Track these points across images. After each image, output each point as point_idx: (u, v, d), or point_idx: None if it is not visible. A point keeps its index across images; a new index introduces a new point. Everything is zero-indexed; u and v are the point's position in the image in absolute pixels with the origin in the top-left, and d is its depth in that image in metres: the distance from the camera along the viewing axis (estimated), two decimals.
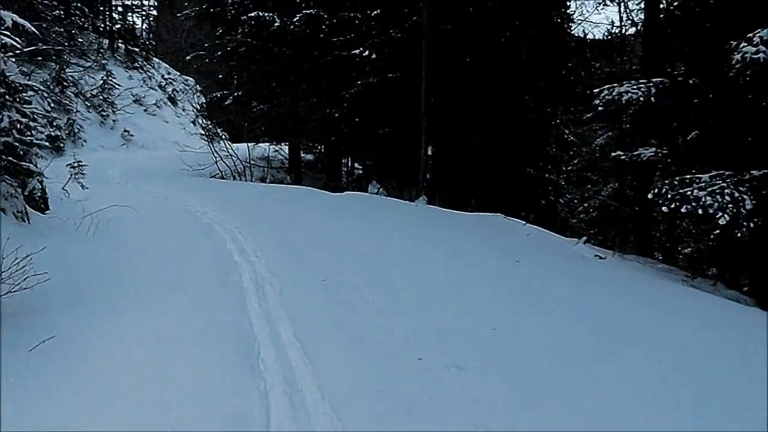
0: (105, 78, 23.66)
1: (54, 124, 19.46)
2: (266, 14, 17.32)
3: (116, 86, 24.32)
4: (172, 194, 12.79)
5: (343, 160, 20.22)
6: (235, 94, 19.08)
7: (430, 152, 14.04)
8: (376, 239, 8.23)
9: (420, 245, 7.95)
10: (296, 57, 18.26)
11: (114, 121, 23.54)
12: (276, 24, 17.42)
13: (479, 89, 15.02)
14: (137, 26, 35.97)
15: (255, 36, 18.19)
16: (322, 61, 18.12)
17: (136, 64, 28.91)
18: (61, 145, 19.64)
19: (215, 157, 18.78)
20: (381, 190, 17.80)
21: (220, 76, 21.45)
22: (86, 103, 22.56)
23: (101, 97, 23.42)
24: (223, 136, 21.56)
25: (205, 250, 7.29)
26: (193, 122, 22.35)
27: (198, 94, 27.23)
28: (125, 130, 23.57)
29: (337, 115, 16.70)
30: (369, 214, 10.59)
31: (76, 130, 20.72)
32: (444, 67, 14.74)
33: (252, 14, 17.17)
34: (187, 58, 23.44)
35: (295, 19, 17.32)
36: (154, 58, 31.78)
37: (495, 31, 15.07)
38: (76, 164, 11.84)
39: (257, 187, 15.52)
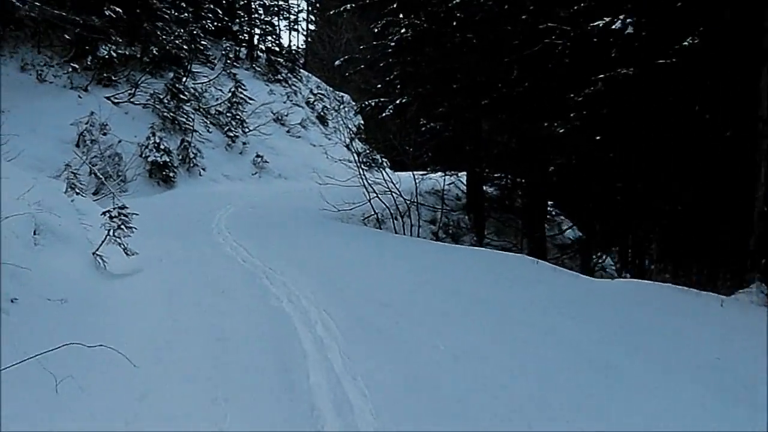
0: (233, 90, 18.80)
1: (161, 147, 14.74)
2: None
3: (248, 100, 19.44)
4: (281, 266, 7.04)
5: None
6: (397, 102, 13.22)
7: None
8: None
9: None
10: (485, 47, 12.12)
11: (244, 143, 18.62)
12: None
13: None
14: (283, 33, 32.01)
15: (426, 17, 12.30)
16: (524, 54, 11.86)
17: (279, 77, 24.21)
18: (171, 174, 14.91)
19: (368, 193, 13.04)
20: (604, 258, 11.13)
21: (379, 86, 15.85)
22: (207, 119, 17.71)
23: (228, 115, 18.57)
24: (384, 163, 16.01)
25: None
26: (347, 146, 17.08)
27: (354, 112, 21.91)
28: (258, 156, 18.57)
29: (561, 131, 10.09)
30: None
31: (192, 155, 15.91)
32: None
33: None
34: (337, 62, 18.09)
35: None
36: (302, 71, 27.14)
37: None
38: (115, 212, 6.52)
39: (434, 255, 9.02)
